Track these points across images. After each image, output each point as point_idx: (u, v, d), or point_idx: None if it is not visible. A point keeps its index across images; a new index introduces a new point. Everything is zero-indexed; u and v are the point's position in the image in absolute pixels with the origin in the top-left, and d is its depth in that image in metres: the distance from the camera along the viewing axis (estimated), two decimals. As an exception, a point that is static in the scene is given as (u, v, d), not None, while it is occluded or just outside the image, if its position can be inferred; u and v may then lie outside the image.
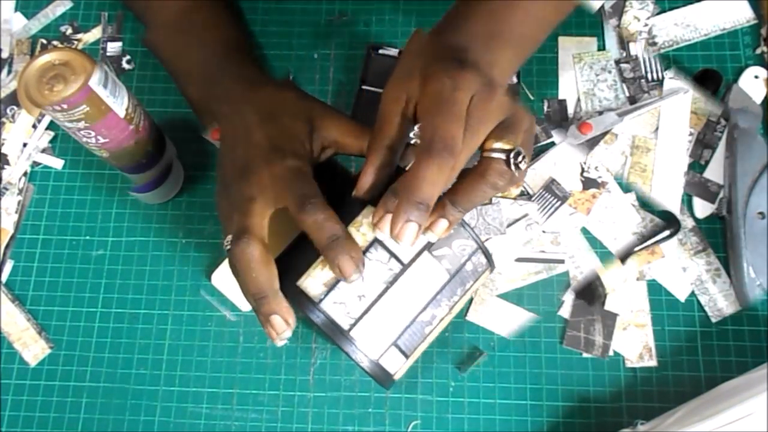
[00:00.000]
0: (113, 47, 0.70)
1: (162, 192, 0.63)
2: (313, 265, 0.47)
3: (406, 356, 0.49)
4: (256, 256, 0.46)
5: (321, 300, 0.46)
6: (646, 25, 0.67)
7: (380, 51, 0.66)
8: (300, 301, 0.47)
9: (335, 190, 0.49)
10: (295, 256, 0.49)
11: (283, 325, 0.47)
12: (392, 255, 0.47)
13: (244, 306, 0.61)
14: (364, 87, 0.65)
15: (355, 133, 0.51)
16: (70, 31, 0.70)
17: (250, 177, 0.48)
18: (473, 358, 0.59)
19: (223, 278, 0.61)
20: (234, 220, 0.48)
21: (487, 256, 0.50)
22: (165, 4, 0.62)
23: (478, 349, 0.59)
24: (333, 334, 0.46)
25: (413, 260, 0.47)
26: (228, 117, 0.53)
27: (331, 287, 0.46)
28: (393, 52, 0.66)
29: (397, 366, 0.49)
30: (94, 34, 0.70)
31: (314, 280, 0.47)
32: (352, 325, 0.46)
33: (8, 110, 0.68)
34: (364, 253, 0.46)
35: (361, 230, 0.47)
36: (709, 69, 0.64)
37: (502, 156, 0.45)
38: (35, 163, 0.67)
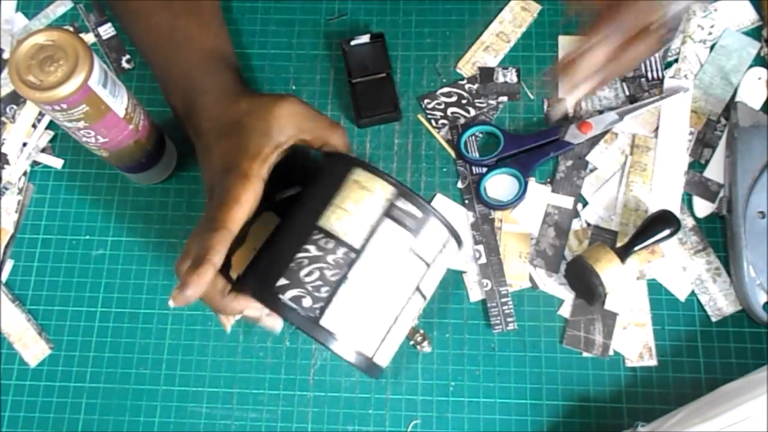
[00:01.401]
0: (105, 30, 0.70)
1: (154, 173, 0.63)
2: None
3: (382, 338, 0.50)
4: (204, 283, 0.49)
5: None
6: (710, 33, 0.66)
7: (352, 43, 0.67)
8: (275, 305, 0.49)
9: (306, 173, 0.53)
10: (267, 259, 0.51)
11: (256, 314, 0.52)
12: (348, 246, 0.49)
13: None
14: (353, 81, 0.66)
15: (313, 129, 0.53)
16: (71, 31, 0.70)
17: (209, 201, 0.52)
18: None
19: None
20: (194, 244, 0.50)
21: (458, 239, 0.52)
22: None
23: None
24: (295, 320, 0.48)
25: (376, 251, 0.49)
26: (200, 136, 0.54)
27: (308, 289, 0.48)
28: (364, 38, 0.67)
29: (374, 347, 0.49)
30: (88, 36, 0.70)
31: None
32: (319, 312, 0.48)
33: (8, 110, 0.68)
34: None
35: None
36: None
37: None
38: (35, 163, 0.67)
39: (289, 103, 0.53)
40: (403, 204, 0.50)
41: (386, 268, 0.49)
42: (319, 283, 0.48)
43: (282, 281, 0.48)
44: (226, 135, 0.53)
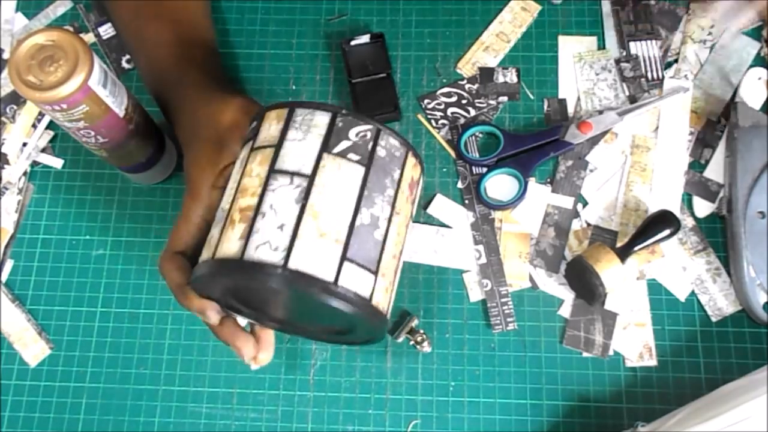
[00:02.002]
0: (105, 30, 0.70)
1: (154, 173, 0.63)
2: (222, 230, 0.45)
3: (372, 271, 0.44)
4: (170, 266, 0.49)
5: (242, 253, 0.43)
6: (710, 33, 0.66)
7: (352, 43, 0.67)
8: (228, 269, 0.43)
9: None
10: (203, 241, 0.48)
11: (211, 317, 0.49)
12: (292, 173, 0.44)
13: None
14: (353, 81, 0.66)
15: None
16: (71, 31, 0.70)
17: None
18: (404, 322, 0.59)
19: None
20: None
21: (397, 135, 0.47)
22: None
23: (408, 312, 0.59)
24: (267, 278, 0.42)
25: (316, 168, 0.44)
26: (180, 135, 0.55)
27: (247, 236, 0.43)
28: (364, 38, 0.67)
29: (368, 284, 0.44)
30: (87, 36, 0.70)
31: (228, 243, 0.44)
32: (286, 258, 0.42)
33: (8, 110, 0.68)
34: (264, 190, 0.44)
35: (254, 173, 0.45)
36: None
37: None
38: (35, 163, 0.67)
39: (234, 106, 0.52)
40: (342, 120, 0.46)
41: (342, 187, 0.44)
42: (279, 223, 0.43)
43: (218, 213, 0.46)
44: (189, 143, 0.53)
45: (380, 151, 0.46)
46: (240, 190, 0.45)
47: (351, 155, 0.45)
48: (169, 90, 0.56)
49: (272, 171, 0.45)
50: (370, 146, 0.45)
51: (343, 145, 0.45)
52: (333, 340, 0.53)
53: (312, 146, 0.45)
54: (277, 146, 0.45)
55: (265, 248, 0.43)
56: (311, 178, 0.44)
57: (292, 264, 0.42)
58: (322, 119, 0.46)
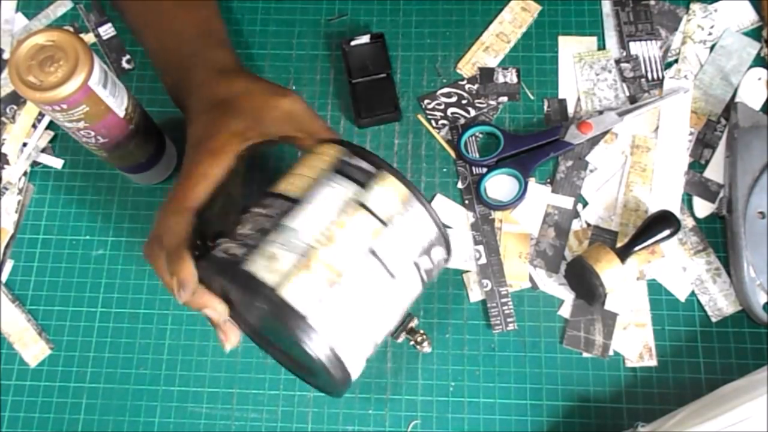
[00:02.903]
0: (105, 30, 0.70)
1: (154, 173, 0.63)
2: (294, 266, 0.43)
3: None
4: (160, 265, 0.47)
5: (292, 301, 0.42)
6: (710, 33, 0.66)
7: (352, 43, 0.67)
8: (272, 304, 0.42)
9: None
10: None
11: (215, 314, 0.48)
12: (385, 267, 0.44)
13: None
14: (353, 81, 0.66)
15: (309, 133, 0.50)
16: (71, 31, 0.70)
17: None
18: (404, 322, 0.59)
19: None
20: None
21: (430, 212, 0.46)
22: None
23: (408, 313, 0.59)
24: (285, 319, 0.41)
25: (400, 273, 0.45)
26: (186, 112, 0.53)
27: (309, 289, 0.42)
28: (364, 38, 0.67)
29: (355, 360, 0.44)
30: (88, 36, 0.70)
31: (295, 286, 0.42)
32: (244, 256, 0.43)
33: (8, 110, 0.68)
34: (354, 265, 0.43)
35: (351, 236, 0.43)
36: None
37: None
38: (35, 163, 0.67)
39: (292, 100, 0.51)
40: (354, 160, 0.45)
41: (322, 216, 0.43)
42: (250, 232, 0.44)
43: (220, 239, 0.45)
44: (211, 110, 0.51)
45: (404, 219, 0.45)
46: (328, 239, 0.43)
47: (423, 273, 0.46)
48: (194, 63, 0.55)
49: (372, 252, 0.43)
50: (398, 212, 0.45)
51: (426, 263, 0.46)
52: (293, 371, 0.52)
53: (411, 251, 0.45)
54: (387, 227, 0.44)
55: (236, 247, 0.43)
56: (393, 277, 0.44)
57: (245, 265, 0.42)
58: (430, 227, 0.46)
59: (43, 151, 0.67)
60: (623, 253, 0.57)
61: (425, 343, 0.59)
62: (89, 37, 0.70)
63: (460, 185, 0.64)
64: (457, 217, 0.63)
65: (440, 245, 0.47)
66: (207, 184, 0.48)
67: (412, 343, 0.59)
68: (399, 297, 0.46)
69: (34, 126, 0.67)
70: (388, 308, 0.45)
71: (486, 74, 0.67)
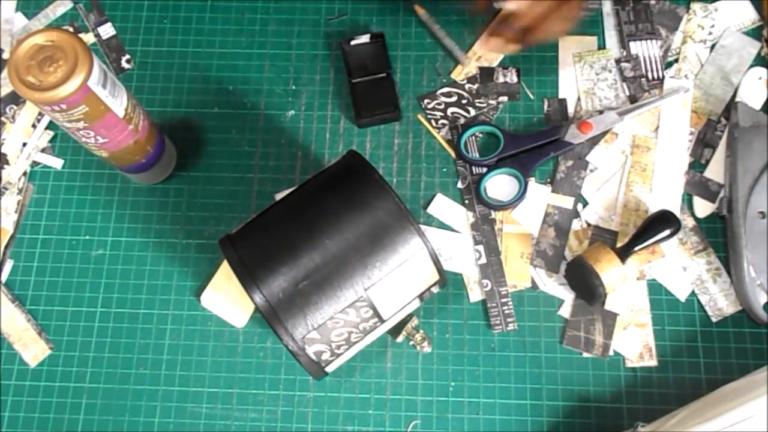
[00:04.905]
0: (105, 30, 0.70)
1: (154, 173, 0.63)
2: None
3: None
4: None
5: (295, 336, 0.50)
6: (710, 33, 0.66)
7: (352, 43, 0.67)
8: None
9: None
10: (299, 294, 0.50)
11: None
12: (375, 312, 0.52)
13: (237, 323, 0.61)
14: (353, 81, 0.66)
15: None
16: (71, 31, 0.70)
17: None
18: (403, 322, 0.60)
19: (212, 298, 0.61)
20: None
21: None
22: None
23: (409, 314, 0.59)
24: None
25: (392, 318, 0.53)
26: None
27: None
28: (364, 38, 0.67)
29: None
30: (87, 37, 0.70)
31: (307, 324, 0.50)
32: (328, 363, 0.52)
33: (8, 110, 0.68)
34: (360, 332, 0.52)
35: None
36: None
37: None
38: (35, 163, 0.67)
39: None
40: (435, 289, 0.54)
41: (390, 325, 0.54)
42: (342, 342, 0.51)
43: (313, 335, 0.50)
44: None
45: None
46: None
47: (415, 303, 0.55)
48: None
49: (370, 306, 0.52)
50: (426, 297, 0.55)
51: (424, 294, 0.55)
52: None
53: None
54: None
55: (327, 353, 0.52)
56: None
57: (328, 368, 0.53)
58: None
59: (43, 151, 0.67)
60: (623, 253, 0.57)
61: (425, 343, 0.59)
62: (89, 37, 0.70)
63: (460, 185, 0.64)
64: (457, 217, 0.63)
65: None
66: None
67: (412, 343, 0.59)
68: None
69: (34, 126, 0.67)
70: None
71: (486, 74, 0.67)
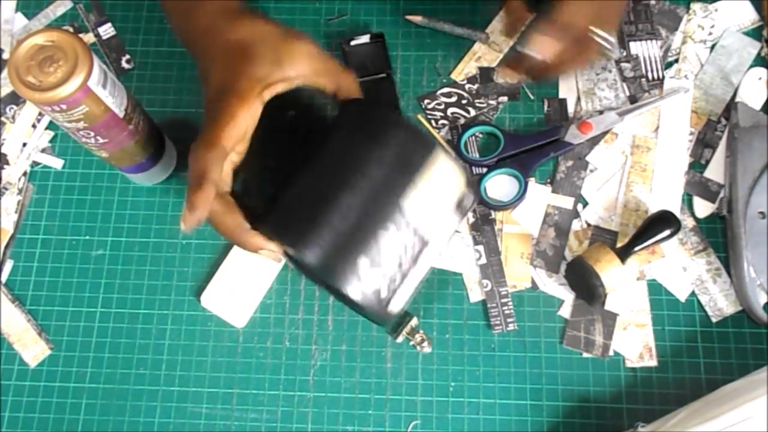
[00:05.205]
0: (105, 30, 0.70)
1: (154, 173, 0.63)
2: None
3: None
4: (216, 208, 0.49)
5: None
6: (710, 33, 0.66)
7: (352, 43, 0.67)
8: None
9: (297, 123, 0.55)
10: (329, 225, 0.49)
11: (272, 254, 0.51)
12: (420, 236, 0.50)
13: (238, 323, 0.61)
14: None
15: (326, 73, 0.52)
16: (71, 31, 0.70)
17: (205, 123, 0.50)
18: (403, 322, 0.59)
19: (213, 298, 0.61)
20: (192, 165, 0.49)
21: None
22: None
23: (408, 313, 0.59)
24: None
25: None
26: (202, 54, 0.53)
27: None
28: (364, 38, 0.67)
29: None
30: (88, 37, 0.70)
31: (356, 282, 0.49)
32: (388, 301, 0.50)
33: (8, 110, 0.68)
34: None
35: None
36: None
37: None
38: (35, 163, 0.67)
39: (305, 42, 0.52)
40: (467, 195, 0.52)
41: (437, 252, 0.52)
42: (395, 271, 0.49)
43: (363, 260, 0.48)
44: (230, 56, 0.51)
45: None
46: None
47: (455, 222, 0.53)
48: (193, 6, 0.55)
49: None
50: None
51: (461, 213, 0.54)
52: (340, 301, 0.59)
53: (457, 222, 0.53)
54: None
55: (384, 290, 0.50)
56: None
57: (390, 307, 0.50)
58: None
59: (43, 151, 0.67)
60: (623, 253, 0.57)
61: (425, 343, 0.59)
62: (89, 37, 0.70)
63: (460, 185, 0.64)
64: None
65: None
66: (238, 129, 0.49)
67: (412, 343, 0.59)
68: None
69: (34, 126, 0.67)
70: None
71: (486, 74, 0.67)
